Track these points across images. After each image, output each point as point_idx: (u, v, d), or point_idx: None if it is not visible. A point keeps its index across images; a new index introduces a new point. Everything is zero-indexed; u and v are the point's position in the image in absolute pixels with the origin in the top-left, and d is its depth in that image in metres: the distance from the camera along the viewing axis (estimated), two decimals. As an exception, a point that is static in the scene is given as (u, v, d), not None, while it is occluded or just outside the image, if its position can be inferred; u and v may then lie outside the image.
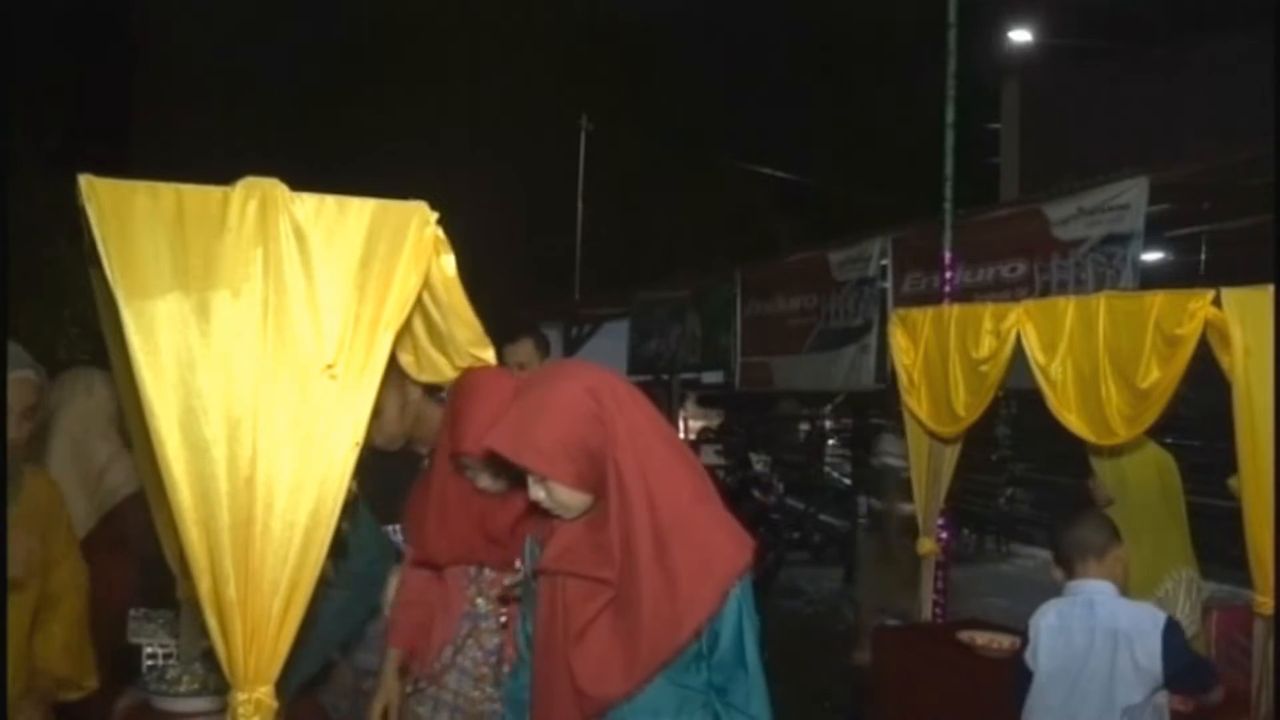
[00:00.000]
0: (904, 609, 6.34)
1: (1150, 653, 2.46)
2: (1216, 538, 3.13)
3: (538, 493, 1.75)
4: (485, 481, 2.20)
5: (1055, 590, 2.70)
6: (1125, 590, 2.69)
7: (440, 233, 1.71)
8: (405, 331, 1.92)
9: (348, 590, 2.28)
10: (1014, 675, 2.73)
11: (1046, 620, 2.66)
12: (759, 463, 9.86)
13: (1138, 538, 3.10)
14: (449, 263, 1.82)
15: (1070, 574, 2.66)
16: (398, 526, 2.56)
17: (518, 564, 2.17)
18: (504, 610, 2.36)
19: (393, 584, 2.58)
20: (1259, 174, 4.97)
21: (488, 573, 2.38)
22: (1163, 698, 2.54)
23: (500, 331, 3.86)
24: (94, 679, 2.50)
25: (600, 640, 1.73)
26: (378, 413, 2.07)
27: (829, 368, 7.78)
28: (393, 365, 1.99)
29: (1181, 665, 2.49)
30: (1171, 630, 2.49)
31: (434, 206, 1.69)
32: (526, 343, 3.75)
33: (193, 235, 1.54)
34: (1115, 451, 3.19)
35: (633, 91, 19.45)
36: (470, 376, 2.21)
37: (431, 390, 2.53)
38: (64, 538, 2.45)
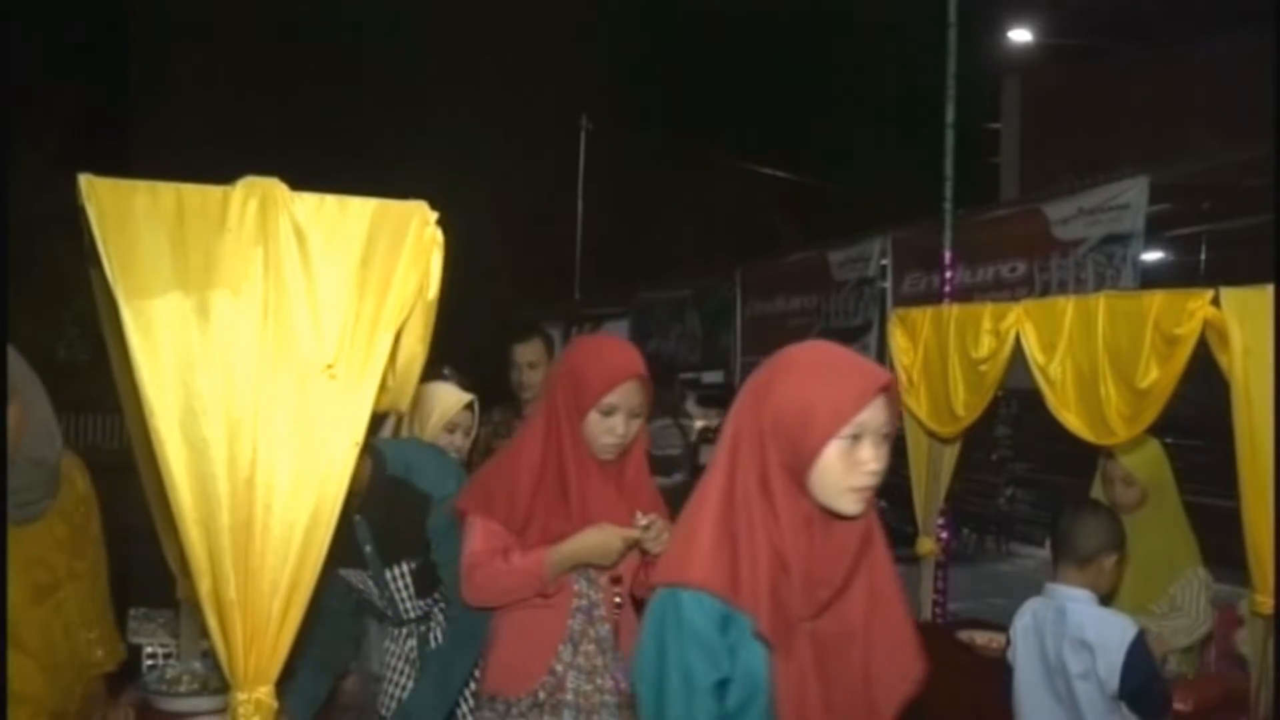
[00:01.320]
0: None
1: (1111, 667, 2.44)
2: (1216, 538, 3.13)
3: (880, 461, 1.57)
4: (620, 428, 2.15)
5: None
6: (1109, 597, 2.67)
7: (439, 233, 1.70)
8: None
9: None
10: (1003, 674, 2.75)
11: (1023, 621, 2.67)
12: (759, 463, 9.84)
13: (1153, 536, 3.09)
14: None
15: (1053, 573, 2.65)
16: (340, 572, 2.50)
17: (639, 517, 2.13)
18: (617, 590, 2.24)
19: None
20: (1259, 174, 4.97)
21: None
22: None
23: (508, 331, 3.90)
24: (122, 651, 2.51)
25: (887, 630, 1.62)
26: None
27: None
28: None
29: (1136, 685, 2.45)
30: (1137, 648, 2.45)
31: (434, 206, 1.69)
32: (537, 342, 3.82)
33: (193, 235, 1.54)
34: (1128, 448, 3.18)
35: (633, 90, 19.46)
36: (583, 338, 2.32)
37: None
38: (96, 520, 2.41)
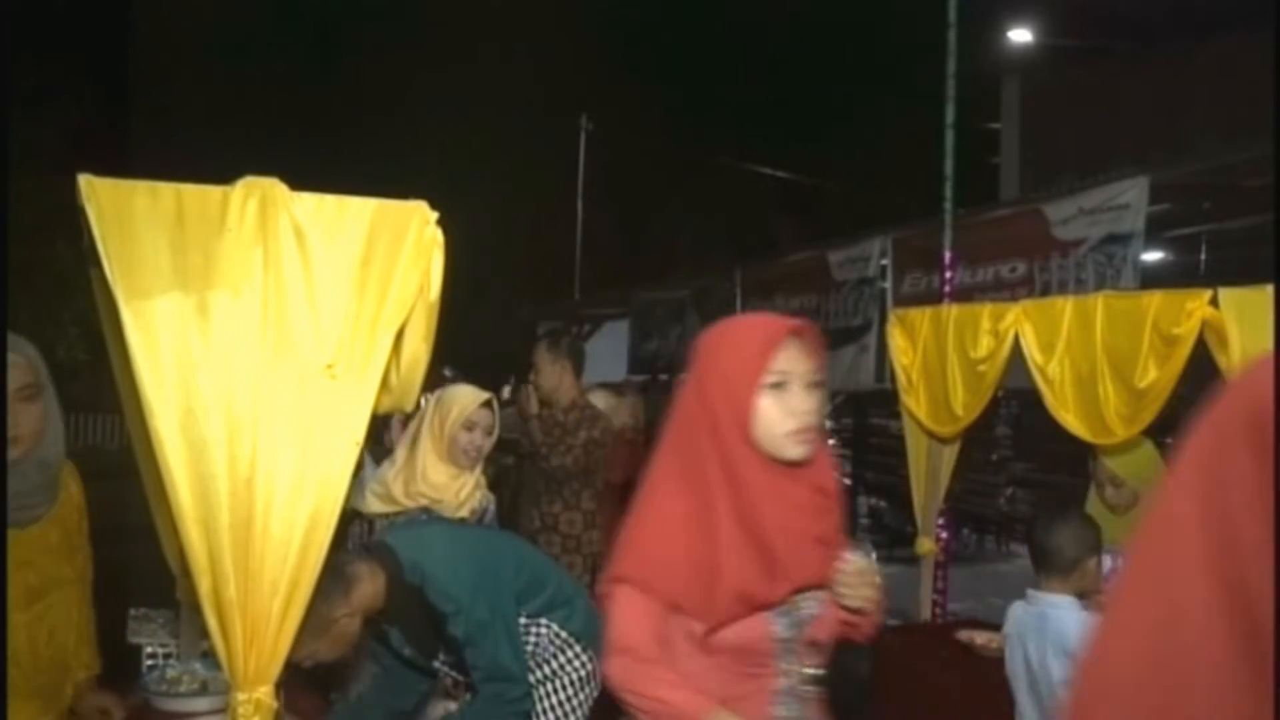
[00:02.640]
0: None
1: None
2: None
3: None
4: (803, 402, 1.63)
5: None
6: (1094, 598, 2.67)
7: (439, 233, 1.71)
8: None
9: None
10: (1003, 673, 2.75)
11: (1008, 626, 2.68)
12: (759, 462, 9.83)
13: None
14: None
15: (1036, 580, 2.65)
16: None
17: (845, 559, 1.65)
18: (813, 662, 1.72)
19: None
20: (1259, 174, 4.97)
21: (804, 612, 1.68)
22: None
23: (501, 331, 4.04)
24: (98, 663, 2.51)
25: None
26: (339, 636, 2.17)
27: (829, 367, 7.78)
28: (340, 582, 2.05)
29: None
30: None
31: (434, 206, 1.69)
32: (540, 345, 3.99)
33: (193, 235, 1.54)
34: (1115, 450, 3.18)
35: (633, 90, 19.47)
36: (707, 332, 1.76)
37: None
38: (85, 526, 2.41)
